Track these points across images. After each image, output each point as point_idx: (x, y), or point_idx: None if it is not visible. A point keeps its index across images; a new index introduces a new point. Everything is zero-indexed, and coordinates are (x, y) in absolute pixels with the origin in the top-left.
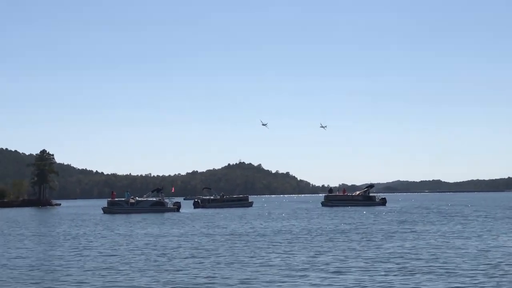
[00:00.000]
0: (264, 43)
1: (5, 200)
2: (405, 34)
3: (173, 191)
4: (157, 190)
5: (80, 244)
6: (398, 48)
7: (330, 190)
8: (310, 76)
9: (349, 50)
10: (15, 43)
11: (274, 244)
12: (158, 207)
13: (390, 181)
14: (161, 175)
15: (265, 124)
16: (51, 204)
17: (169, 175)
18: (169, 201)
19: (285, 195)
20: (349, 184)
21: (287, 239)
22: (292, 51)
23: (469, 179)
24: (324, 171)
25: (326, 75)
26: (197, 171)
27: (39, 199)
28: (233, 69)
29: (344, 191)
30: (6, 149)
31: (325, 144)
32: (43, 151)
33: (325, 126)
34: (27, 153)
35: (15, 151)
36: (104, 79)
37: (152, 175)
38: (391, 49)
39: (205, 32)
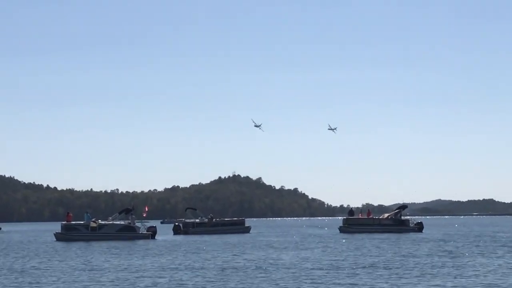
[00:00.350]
0: (257, 38)
1: None
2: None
3: (145, 213)
4: (126, 211)
5: (25, 281)
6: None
7: (351, 211)
8: (317, 69)
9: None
10: None
11: (276, 282)
12: (127, 233)
13: (429, 200)
14: (131, 191)
15: (259, 126)
16: None
17: (142, 192)
18: (142, 225)
19: (293, 218)
20: (376, 204)
21: (293, 275)
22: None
23: None
24: (343, 187)
25: (336, 67)
26: (178, 187)
27: None
28: (223, 64)
29: (369, 213)
30: None
31: (344, 154)
32: None
33: (335, 128)
34: None
35: None
36: (59, 68)
37: (120, 192)
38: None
39: (191, 26)
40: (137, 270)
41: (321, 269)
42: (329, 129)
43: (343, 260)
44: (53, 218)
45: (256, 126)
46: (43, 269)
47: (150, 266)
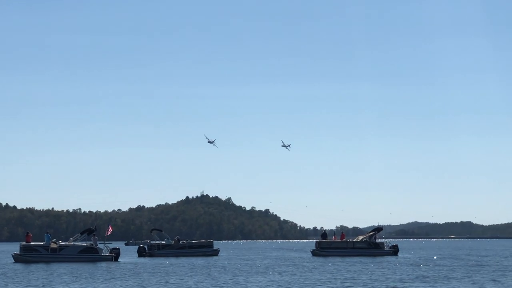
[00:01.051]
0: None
1: None
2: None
3: (109, 232)
4: (89, 232)
5: None
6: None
7: (324, 234)
8: (295, 83)
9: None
10: None
11: None
12: (89, 255)
13: (405, 222)
14: (94, 211)
15: (212, 142)
16: None
17: (106, 212)
18: (104, 247)
19: (264, 241)
20: (350, 226)
21: None
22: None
23: (509, 222)
24: (317, 209)
25: (303, 80)
26: (144, 207)
27: None
28: (196, 75)
29: (342, 235)
30: None
31: (318, 174)
32: None
33: (289, 145)
34: None
35: None
36: (18, 80)
37: (82, 211)
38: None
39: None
40: None
41: None
42: (282, 145)
43: (313, 284)
44: (12, 238)
45: (209, 142)
46: None
47: None
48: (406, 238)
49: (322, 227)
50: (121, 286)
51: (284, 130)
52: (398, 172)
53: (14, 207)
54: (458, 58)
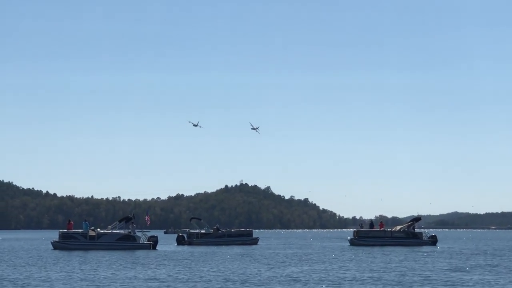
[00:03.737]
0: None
1: None
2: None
3: (148, 221)
4: (127, 220)
5: None
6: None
7: (372, 224)
8: (331, 71)
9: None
10: None
11: None
12: (127, 243)
13: (445, 213)
14: (133, 199)
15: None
16: None
17: (145, 200)
18: (142, 235)
19: (303, 230)
20: (389, 216)
21: None
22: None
23: None
24: (356, 198)
25: (345, 69)
26: (182, 195)
27: None
28: (229, 63)
29: (381, 225)
30: None
31: (358, 163)
32: None
33: (257, 128)
34: None
35: None
36: (59, 71)
37: (121, 199)
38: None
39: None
40: (132, 281)
41: (327, 282)
42: (252, 128)
43: (349, 273)
44: (52, 225)
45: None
46: (37, 279)
47: (151, 277)
48: (446, 229)
49: (361, 217)
50: (155, 273)
51: (321, 120)
52: (439, 161)
53: (55, 195)
54: (489, 47)
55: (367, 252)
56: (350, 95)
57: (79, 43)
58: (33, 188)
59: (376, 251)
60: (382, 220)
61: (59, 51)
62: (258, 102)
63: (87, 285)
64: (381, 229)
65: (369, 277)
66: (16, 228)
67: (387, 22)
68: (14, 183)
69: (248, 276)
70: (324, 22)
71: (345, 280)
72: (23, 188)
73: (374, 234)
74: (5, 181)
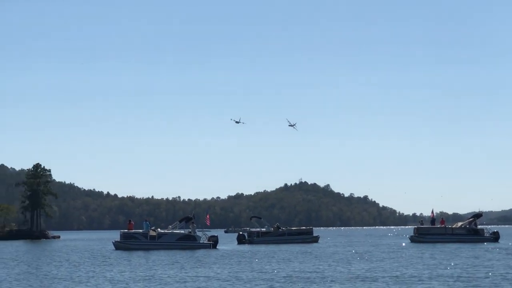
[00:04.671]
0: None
1: None
2: None
3: (208, 221)
4: (187, 220)
5: None
6: None
7: (433, 221)
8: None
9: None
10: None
11: None
12: (187, 242)
13: (507, 208)
14: (193, 199)
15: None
16: (47, 237)
17: (205, 200)
18: (203, 235)
19: (363, 227)
20: (450, 212)
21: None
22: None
23: None
24: (416, 195)
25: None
26: (242, 194)
27: (31, 229)
28: (278, 61)
29: (442, 222)
30: None
31: (417, 159)
32: (37, 166)
33: (295, 124)
34: (17, 168)
35: (2, 165)
36: (116, 75)
37: (181, 199)
38: None
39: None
40: (195, 280)
41: (389, 279)
42: (289, 125)
43: (411, 270)
44: (113, 226)
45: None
46: (99, 278)
47: (213, 275)
48: (508, 225)
49: (421, 213)
50: (220, 271)
51: (381, 117)
52: (500, 156)
53: (115, 195)
54: None
55: (427, 249)
56: (410, 91)
57: (139, 43)
58: (94, 189)
59: (437, 248)
60: (442, 217)
61: (115, 52)
62: (314, 100)
63: (149, 284)
64: (442, 226)
65: (429, 274)
66: (78, 228)
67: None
68: (75, 185)
69: (309, 274)
70: (369, 19)
71: (406, 278)
72: (84, 189)
73: (434, 231)
74: (66, 182)
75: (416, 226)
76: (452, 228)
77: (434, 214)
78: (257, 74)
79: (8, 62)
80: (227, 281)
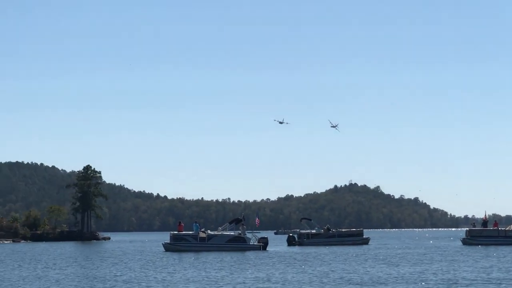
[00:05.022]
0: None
1: (37, 231)
2: None
3: (257, 222)
4: (237, 221)
5: None
6: None
7: (485, 223)
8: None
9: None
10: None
11: None
12: (237, 244)
13: None
14: (243, 200)
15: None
16: (97, 238)
17: (255, 201)
18: (253, 236)
19: (413, 229)
20: (503, 214)
21: None
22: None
23: None
24: (468, 197)
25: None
26: (292, 196)
27: (82, 231)
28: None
29: (495, 224)
30: (42, 164)
31: (469, 160)
32: (88, 168)
33: (336, 125)
34: (67, 170)
35: (53, 167)
36: (164, 76)
37: (231, 201)
38: None
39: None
40: (245, 282)
41: (441, 282)
42: (331, 126)
43: (463, 273)
44: (163, 227)
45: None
46: (149, 281)
47: (263, 277)
48: None
49: (473, 215)
50: (270, 273)
51: (430, 118)
52: None
53: (165, 197)
54: None
55: (480, 251)
56: (458, 90)
57: (187, 46)
58: (144, 190)
59: (490, 251)
60: (495, 219)
61: (174, 56)
62: (363, 101)
63: (199, 286)
64: (495, 228)
65: (483, 277)
66: (128, 230)
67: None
68: (125, 186)
69: (360, 276)
70: (408, 19)
71: (459, 280)
72: (134, 191)
73: (487, 233)
74: (117, 184)
75: (468, 228)
76: (505, 231)
77: (487, 216)
78: (301, 75)
79: (62, 65)
80: (277, 283)
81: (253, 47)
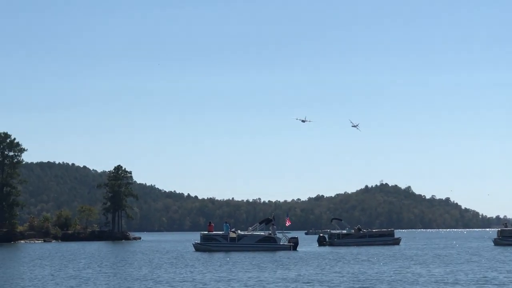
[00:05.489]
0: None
1: (68, 231)
2: None
3: (288, 222)
4: (267, 221)
5: None
6: None
7: (506, 224)
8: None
9: None
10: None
11: None
12: (267, 244)
13: None
14: (274, 201)
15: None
16: (128, 238)
17: (285, 201)
18: (283, 236)
19: (444, 230)
20: None
21: None
22: None
23: None
24: (500, 197)
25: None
26: (323, 196)
27: (113, 230)
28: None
29: None
30: (73, 164)
31: (501, 160)
32: (118, 168)
33: (357, 125)
34: (99, 170)
35: (84, 167)
36: (197, 76)
37: (261, 201)
38: None
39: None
40: (277, 281)
41: (473, 283)
42: (352, 126)
43: (494, 273)
44: (194, 227)
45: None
46: (179, 280)
47: (293, 278)
48: None
49: (505, 216)
50: (300, 273)
51: (462, 119)
52: None
53: (196, 197)
54: None
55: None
56: (488, 89)
57: (205, 45)
58: (175, 191)
59: None
60: None
61: (189, 54)
62: (393, 102)
63: (229, 286)
64: None
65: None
66: (159, 230)
67: None
68: (156, 186)
69: (390, 276)
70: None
71: (488, 281)
72: (165, 191)
73: None
74: (147, 184)
75: (499, 229)
76: None
77: None
78: (323, 75)
79: (94, 65)
80: (308, 283)
81: (277, 47)
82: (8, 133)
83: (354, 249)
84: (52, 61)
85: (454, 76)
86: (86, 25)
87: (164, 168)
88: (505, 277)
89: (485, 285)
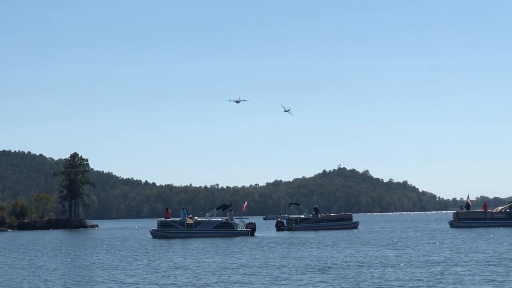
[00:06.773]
0: None
1: (25, 220)
2: None
3: (245, 208)
4: (224, 207)
5: (117, 279)
6: None
7: (463, 206)
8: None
9: None
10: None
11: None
12: (225, 230)
13: None
14: (232, 186)
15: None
16: (85, 226)
17: (243, 187)
18: (240, 222)
19: (402, 213)
20: (491, 197)
21: (432, 274)
22: None
23: None
24: (456, 179)
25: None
26: (281, 181)
27: (70, 219)
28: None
29: (485, 206)
30: (29, 152)
31: (457, 143)
32: (75, 155)
33: (289, 110)
34: (55, 158)
35: (40, 155)
36: (155, 59)
37: (219, 187)
38: None
39: None
40: (234, 266)
41: (435, 265)
42: (284, 111)
43: (446, 253)
44: (152, 214)
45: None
46: (136, 268)
47: (246, 264)
48: None
49: (461, 198)
50: (258, 259)
51: (418, 102)
52: None
53: (154, 184)
54: None
55: (466, 234)
56: (446, 74)
57: (178, 31)
58: (132, 178)
59: (476, 232)
60: (484, 201)
61: (148, 41)
62: (353, 86)
63: (185, 273)
64: (483, 210)
65: (466, 258)
66: (117, 217)
67: None
68: (114, 174)
69: (347, 259)
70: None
71: (439, 262)
72: (122, 178)
73: (474, 215)
74: (105, 171)
75: (455, 211)
76: (492, 213)
77: (470, 199)
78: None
79: (49, 53)
80: (262, 267)
81: (226, 32)
82: None
83: (313, 233)
84: (6, 49)
85: (412, 60)
86: (41, 12)
87: (121, 155)
88: (456, 257)
89: (433, 265)
